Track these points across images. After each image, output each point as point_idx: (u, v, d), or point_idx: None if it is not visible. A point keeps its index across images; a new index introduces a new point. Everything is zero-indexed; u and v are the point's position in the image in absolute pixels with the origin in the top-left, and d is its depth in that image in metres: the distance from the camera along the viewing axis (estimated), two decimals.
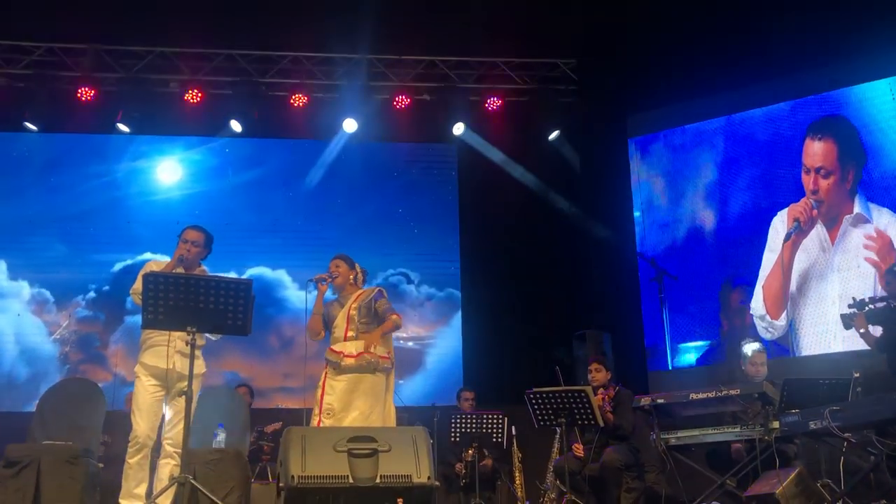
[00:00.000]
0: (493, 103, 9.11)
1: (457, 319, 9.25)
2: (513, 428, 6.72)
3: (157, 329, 4.44)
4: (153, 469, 4.71)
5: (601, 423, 5.56)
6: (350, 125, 9.03)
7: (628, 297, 8.57)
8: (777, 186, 7.99)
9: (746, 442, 4.93)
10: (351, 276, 5.21)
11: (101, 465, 5.14)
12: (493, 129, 9.28)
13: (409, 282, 9.29)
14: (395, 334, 5.32)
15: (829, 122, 7.82)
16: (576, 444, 6.00)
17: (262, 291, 8.82)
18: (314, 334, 5.15)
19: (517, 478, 6.95)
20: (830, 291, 7.49)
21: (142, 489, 4.54)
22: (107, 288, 8.89)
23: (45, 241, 8.89)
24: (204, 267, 4.93)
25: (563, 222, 9.19)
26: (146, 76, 8.80)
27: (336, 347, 5.01)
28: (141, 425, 4.57)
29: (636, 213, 8.80)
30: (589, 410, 5.43)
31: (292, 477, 3.62)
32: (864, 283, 7.31)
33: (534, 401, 5.55)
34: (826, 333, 7.45)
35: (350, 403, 4.87)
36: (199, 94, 8.77)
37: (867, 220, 7.47)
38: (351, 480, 3.66)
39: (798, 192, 7.84)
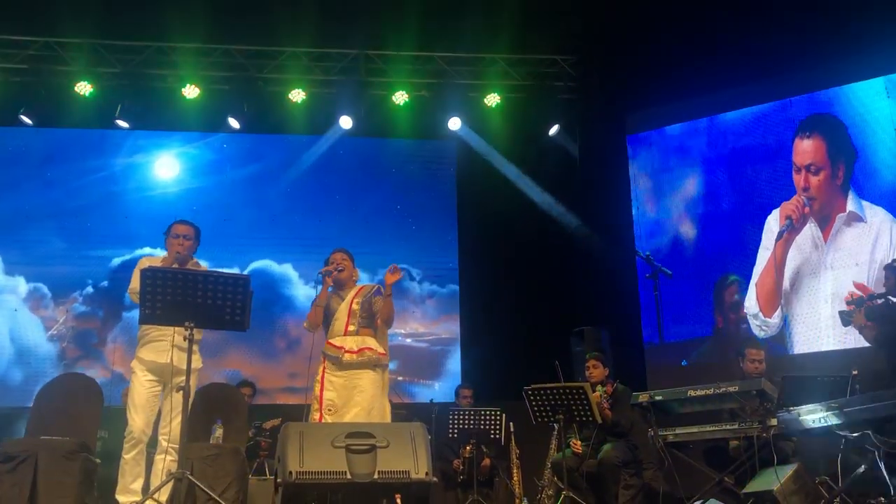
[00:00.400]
0: (492, 99, 9.09)
1: (455, 316, 9.24)
2: (511, 424, 6.72)
3: (155, 324, 4.43)
4: (150, 464, 4.71)
5: (599, 420, 5.56)
6: (346, 122, 9.01)
7: (627, 293, 8.59)
8: (771, 184, 8.02)
9: (744, 439, 4.92)
10: (354, 272, 5.24)
11: (98, 460, 5.12)
12: (491, 125, 9.27)
13: (412, 279, 9.28)
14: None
15: (816, 119, 7.87)
16: (574, 441, 6.01)
17: (267, 287, 8.81)
18: (314, 326, 5.13)
19: (515, 474, 6.95)
20: (824, 289, 7.50)
21: (138, 484, 4.54)
22: (105, 284, 8.87)
23: (42, 235, 8.86)
24: (196, 259, 4.92)
25: (561, 219, 9.19)
26: (143, 71, 8.78)
27: (336, 342, 4.99)
28: (136, 421, 4.57)
29: (634, 210, 8.80)
30: (587, 407, 5.43)
31: (290, 473, 3.61)
32: (857, 281, 7.33)
33: (532, 397, 5.55)
34: (819, 331, 7.46)
35: (351, 399, 4.87)
36: (197, 90, 8.75)
37: (860, 219, 7.48)
38: (349, 476, 3.65)
39: (791, 191, 7.88)
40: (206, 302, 4.02)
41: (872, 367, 5.16)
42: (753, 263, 7.95)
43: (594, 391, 5.93)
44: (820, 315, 7.45)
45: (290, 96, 8.92)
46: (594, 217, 9.03)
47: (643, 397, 5.27)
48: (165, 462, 4.52)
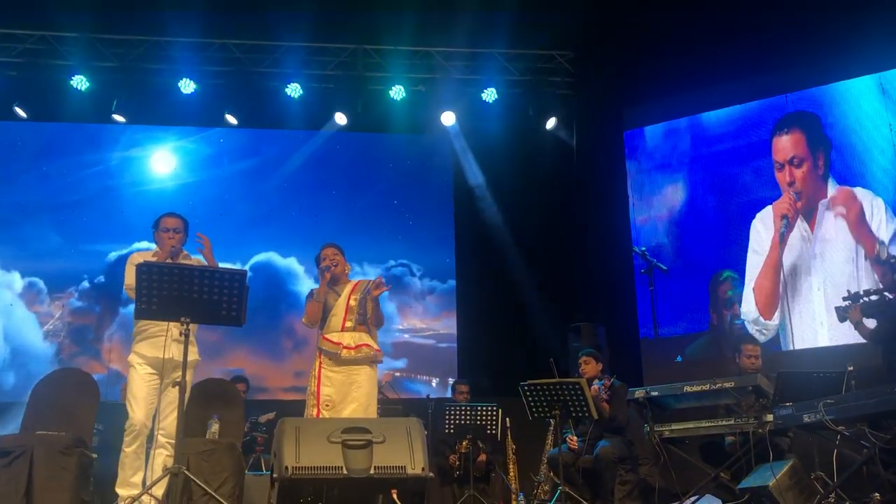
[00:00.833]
0: (489, 94, 9.08)
1: (453, 311, 9.24)
2: (507, 420, 6.72)
3: (151, 319, 4.42)
4: (147, 459, 4.70)
5: (595, 416, 5.57)
6: (340, 119, 9.00)
7: (623, 289, 8.59)
8: (768, 182, 8.03)
9: (740, 434, 4.93)
10: (347, 266, 5.22)
11: (94, 455, 5.12)
12: (488, 120, 9.26)
13: (412, 274, 9.27)
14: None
15: (791, 117, 8.00)
16: (570, 437, 6.02)
17: (272, 283, 8.78)
18: (314, 322, 5.11)
19: (511, 470, 6.95)
20: (816, 281, 7.55)
21: (138, 478, 4.54)
22: (101, 279, 8.85)
23: (38, 230, 8.85)
24: (187, 251, 4.91)
25: (558, 214, 9.18)
26: (140, 65, 8.75)
27: (333, 338, 4.98)
28: (137, 413, 4.56)
29: (630, 205, 8.80)
30: (583, 402, 5.43)
31: (286, 468, 3.61)
32: (844, 266, 7.40)
33: (528, 393, 5.56)
34: (815, 327, 7.49)
35: (348, 395, 4.87)
36: (193, 84, 8.73)
37: (841, 203, 7.61)
38: (345, 471, 3.64)
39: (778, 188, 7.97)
40: (202, 297, 4.00)
41: (868, 362, 5.16)
42: (745, 260, 8.00)
43: (592, 386, 5.93)
44: (814, 309, 7.48)
45: (287, 91, 8.90)
46: (591, 213, 9.03)
47: (639, 393, 5.28)
48: (161, 457, 4.52)
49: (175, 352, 4.48)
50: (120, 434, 4.62)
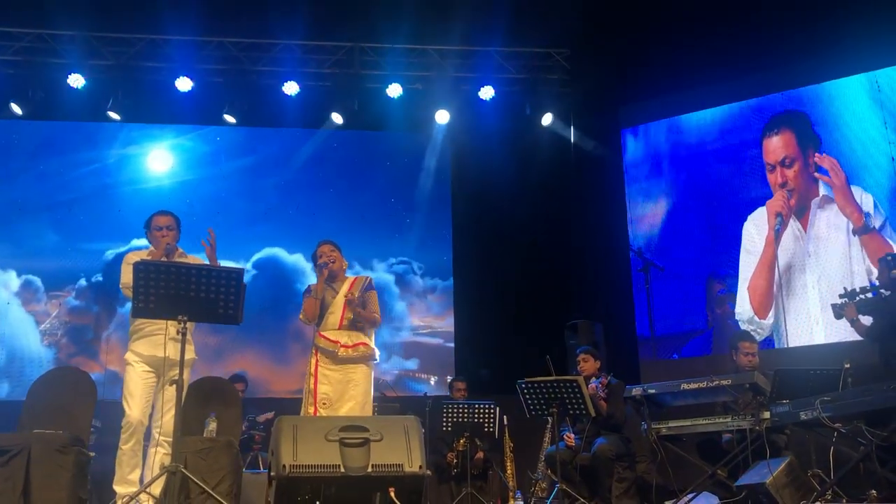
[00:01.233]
0: (486, 92, 9.08)
1: (450, 309, 9.24)
2: (505, 417, 6.73)
3: (148, 318, 4.42)
4: (144, 457, 4.70)
5: (592, 413, 5.57)
6: (336, 118, 9.00)
7: (621, 287, 8.59)
8: (756, 179, 8.05)
9: (737, 432, 4.94)
10: (343, 263, 5.22)
11: (92, 453, 5.11)
12: (485, 118, 9.25)
13: (414, 272, 9.27)
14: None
15: (780, 118, 8.04)
16: (567, 434, 6.02)
17: (277, 281, 8.75)
18: (312, 319, 5.10)
19: (508, 467, 6.96)
20: (811, 279, 7.57)
21: (135, 475, 4.54)
22: (99, 278, 8.83)
23: (35, 228, 8.83)
24: (181, 249, 4.91)
25: (555, 213, 9.18)
26: (136, 63, 8.74)
27: (330, 336, 4.98)
28: (133, 410, 4.57)
29: (627, 203, 8.81)
30: (581, 400, 5.44)
31: (283, 466, 3.60)
32: (838, 264, 7.41)
33: (525, 390, 5.56)
34: (809, 324, 7.51)
35: (345, 393, 4.88)
36: (190, 82, 8.72)
37: (831, 200, 7.65)
38: (342, 469, 3.64)
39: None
40: (199, 295, 4.00)
41: (864, 360, 5.17)
42: (738, 259, 8.01)
43: (590, 384, 5.94)
44: (809, 308, 7.51)
45: (283, 89, 8.89)
46: (587, 210, 9.03)
47: (636, 391, 5.28)
48: (158, 455, 4.52)
49: (172, 350, 4.48)
50: (117, 432, 4.62)
